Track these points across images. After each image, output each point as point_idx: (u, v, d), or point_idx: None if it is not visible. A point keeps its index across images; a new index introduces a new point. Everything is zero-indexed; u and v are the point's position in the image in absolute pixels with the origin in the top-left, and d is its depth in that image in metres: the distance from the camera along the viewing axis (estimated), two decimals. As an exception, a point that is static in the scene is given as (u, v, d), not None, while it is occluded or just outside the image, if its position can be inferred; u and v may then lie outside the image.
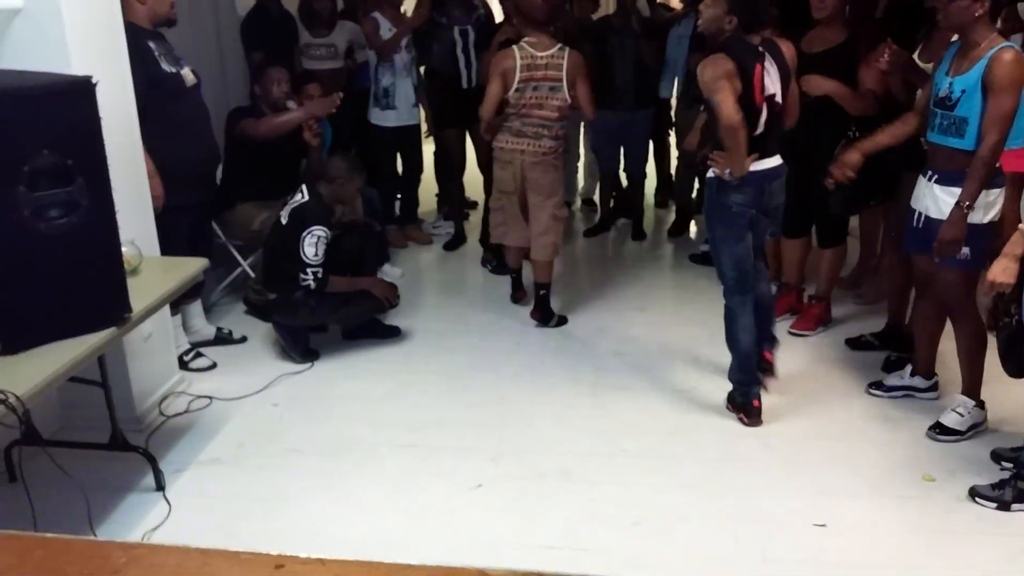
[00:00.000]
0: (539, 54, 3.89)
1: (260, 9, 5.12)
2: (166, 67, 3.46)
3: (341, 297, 3.81)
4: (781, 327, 4.16)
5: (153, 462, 2.93)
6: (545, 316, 4.25)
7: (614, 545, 2.67)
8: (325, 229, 3.64)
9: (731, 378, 3.37)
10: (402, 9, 5.36)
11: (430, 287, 4.96)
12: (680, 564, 2.57)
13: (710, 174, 3.21)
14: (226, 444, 3.23)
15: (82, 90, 2.22)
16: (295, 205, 3.73)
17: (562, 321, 4.30)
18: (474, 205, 5.96)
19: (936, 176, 3.01)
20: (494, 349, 4.04)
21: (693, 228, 5.64)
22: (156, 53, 3.42)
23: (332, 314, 3.90)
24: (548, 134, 4.02)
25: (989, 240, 2.95)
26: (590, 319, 4.36)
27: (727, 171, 3.07)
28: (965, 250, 2.95)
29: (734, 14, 3.04)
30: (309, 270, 3.63)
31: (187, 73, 3.58)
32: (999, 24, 3.33)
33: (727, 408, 3.39)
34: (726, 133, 2.98)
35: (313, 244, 3.60)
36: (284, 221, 3.73)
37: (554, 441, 3.24)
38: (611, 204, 5.79)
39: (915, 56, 3.41)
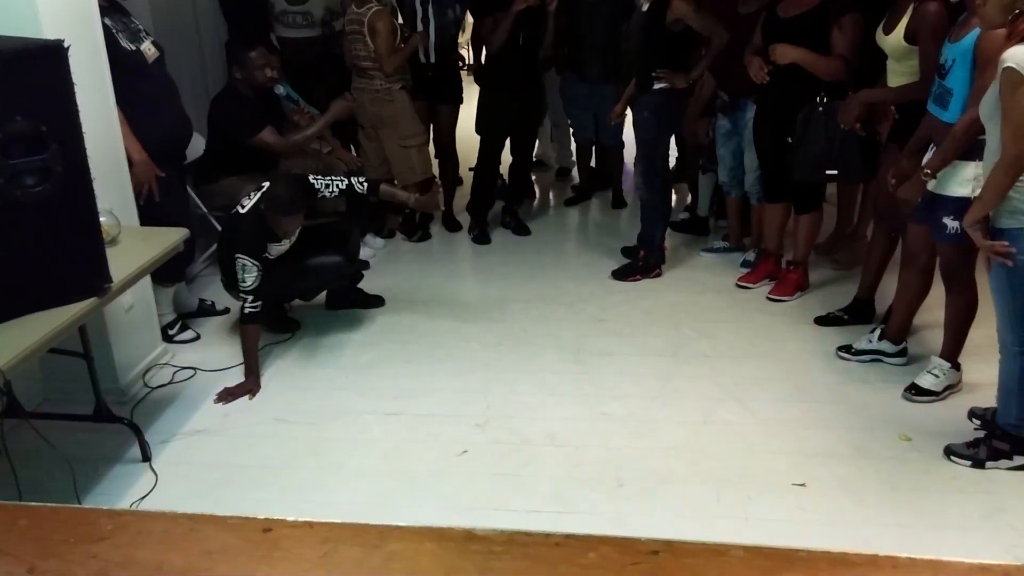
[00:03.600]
0: (356, 11, 4.53)
1: None
2: (125, 44, 3.39)
3: (291, 274, 3.66)
4: (759, 293, 4.21)
5: (138, 433, 2.94)
6: (408, 230, 5.01)
7: (599, 507, 2.70)
8: (252, 260, 3.31)
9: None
10: None
11: (410, 257, 4.95)
12: (664, 524, 2.61)
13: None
14: (211, 415, 3.23)
15: (54, 54, 2.18)
16: (233, 212, 3.48)
17: (425, 236, 5.02)
18: (460, 182, 5.91)
19: (935, 147, 3.03)
20: (477, 318, 4.06)
21: (674, 197, 5.63)
22: (114, 30, 3.35)
23: (288, 292, 3.81)
24: (377, 75, 4.58)
25: None
26: (572, 287, 4.37)
27: None
28: (955, 224, 2.95)
29: None
30: (240, 294, 3.35)
31: (148, 48, 3.50)
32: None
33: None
34: None
35: (242, 270, 3.31)
36: (221, 241, 3.51)
37: (538, 407, 3.27)
38: (588, 173, 5.79)
39: (879, 28, 3.42)
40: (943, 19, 3.01)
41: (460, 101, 5.05)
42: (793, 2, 3.74)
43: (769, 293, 4.19)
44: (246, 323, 3.34)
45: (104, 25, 3.28)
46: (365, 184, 3.66)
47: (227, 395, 3.30)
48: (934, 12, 3.04)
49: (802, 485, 2.78)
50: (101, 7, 3.32)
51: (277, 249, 3.49)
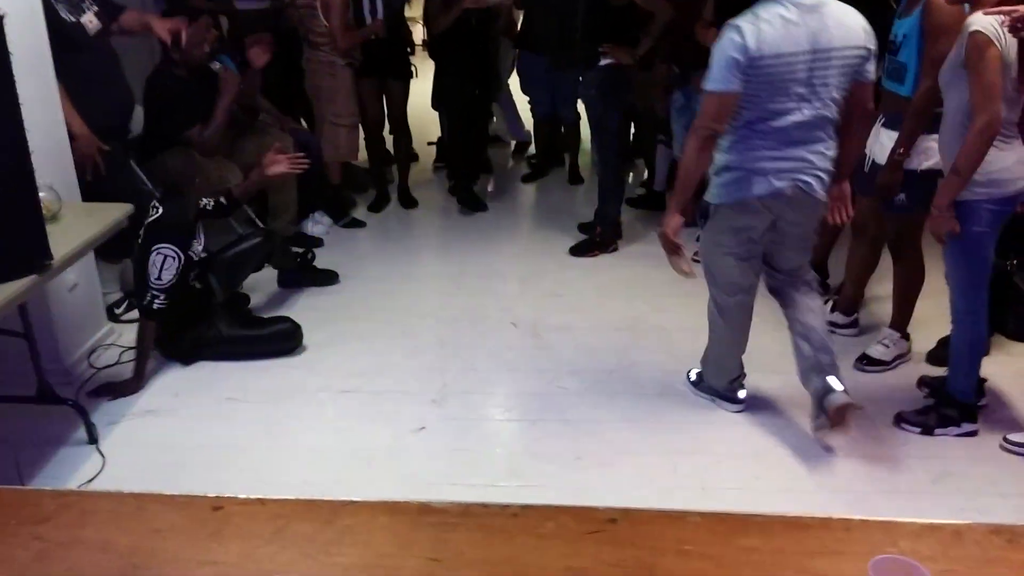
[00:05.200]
0: None
1: None
2: (65, 15, 3.29)
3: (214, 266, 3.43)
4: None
5: (84, 414, 2.85)
6: (335, 214, 4.85)
7: (557, 480, 2.70)
8: (174, 249, 3.09)
9: None
10: None
11: (365, 233, 4.88)
12: (622, 495, 2.62)
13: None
14: (160, 395, 3.16)
15: (-12, 23, 2.08)
16: (148, 220, 3.17)
17: (356, 223, 4.89)
18: (415, 158, 5.84)
19: (884, 120, 3.06)
20: (433, 293, 4.02)
21: (630, 175, 5.64)
22: (52, 2, 3.23)
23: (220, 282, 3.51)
24: (325, 49, 4.56)
25: (926, 187, 2.91)
26: (528, 263, 4.36)
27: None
28: (902, 196, 3.00)
29: None
30: (149, 292, 3.09)
31: (89, 19, 3.40)
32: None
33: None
34: None
35: (157, 265, 3.06)
36: (139, 240, 3.17)
37: (496, 382, 3.26)
38: (544, 149, 5.77)
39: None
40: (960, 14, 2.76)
41: (410, 76, 4.96)
42: None
43: None
44: (150, 318, 3.12)
45: None
46: (211, 203, 3.36)
47: (111, 391, 3.13)
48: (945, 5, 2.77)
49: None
50: None
51: (196, 246, 3.30)
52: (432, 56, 5.06)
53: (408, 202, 5.19)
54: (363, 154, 5.16)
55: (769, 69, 2.45)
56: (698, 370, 3.18)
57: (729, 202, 2.67)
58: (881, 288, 3.58)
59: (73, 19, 3.32)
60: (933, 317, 3.29)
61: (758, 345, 3.50)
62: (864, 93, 2.62)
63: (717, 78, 2.48)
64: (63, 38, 3.23)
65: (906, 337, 3.31)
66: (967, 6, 2.65)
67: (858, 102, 2.62)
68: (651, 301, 3.90)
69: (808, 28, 2.44)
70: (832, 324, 3.53)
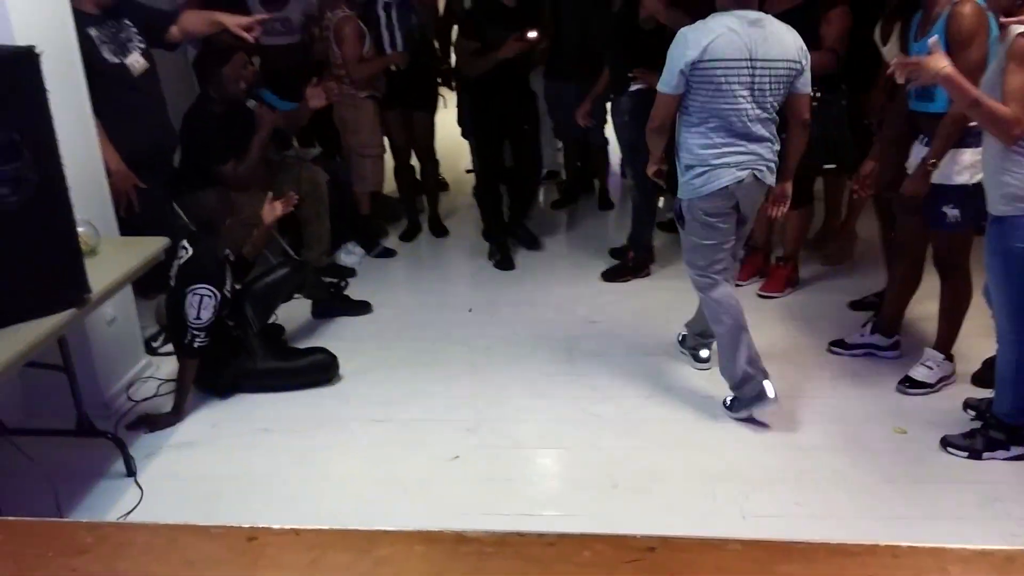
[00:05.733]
0: (328, 15, 4.50)
1: None
2: (109, 56, 3.35)
3: (246, 302, 3.44)
4: (750, 290, 4.18)
5: (122, 447, 2.88)
6: (367, 244, 4.82)
7: (593, 508, 2.67)
8: (210, 288, 3.11)
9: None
10: None
11: (398, 262, 4.91)
12: (660, 523, 2.58)
13: None
14: (197, 426, 3.17)
15: (26, 60, 2.14)
16: (180, 263, 3.20)
17: (388, 252, 4.85)
18: (445, 187, 5.88)
19: (925, 140, 3.01)
20: (466, 322, 4.02)
21: (660, 199, 5.60)
22: (98, 42, 3.31)
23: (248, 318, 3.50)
24: (347, 81, 4.50)
25: (980, 201, 2.85)
26: (562, 289, 4.34)
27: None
28: (955, 212, 2.94)
29: None
30: (189, 332, 3.11)
31: (135, 60, 3.46)
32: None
33: None
34: None
35: (195, 305, 3.08)
36: (172, 283, 3.21)
37: (530, 409, 3.23)
38: (574, 175, 5.76)
39: (876, 30, 3.42)
40: (984, 19, 2.77)
41: (435, 107, 4.99)
42: None
43: (759, 290, 4.17)
44: (192, 357, 3.15)
45: (88, 35, 3.25)
46: (232, 255, 3.40)
47: (149, 424, 3.14)
48: (971, 14, 2.77)
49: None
50: (90, 16, 3.29)
51: (228, 283, 3.30)
52: (464, 91, 4.98)
53: (439, 231, 5.20)
54: (393, 184, 5.21)
55: (714, 71, 2.80)
56: (731, 396, 3.15)
57: (701, 196, 2.96)
58: (922, 308, 3.50)
59: (117, 60, 3.39)
60: (977, 337, 3.22)
61: (790, 372, 3.45)
62: (799, 103, 2.95)
63: (666, 81, 2.89)
64: (106, 77, 3.31)
65: (950, 358, 3.23)
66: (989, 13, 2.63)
67: (795, 112, 2.97)
68: (685, 324, 3.85)
69: (750, 39, 2.80)
70: (871, 346, 3.48)
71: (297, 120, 4.50)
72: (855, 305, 3.94)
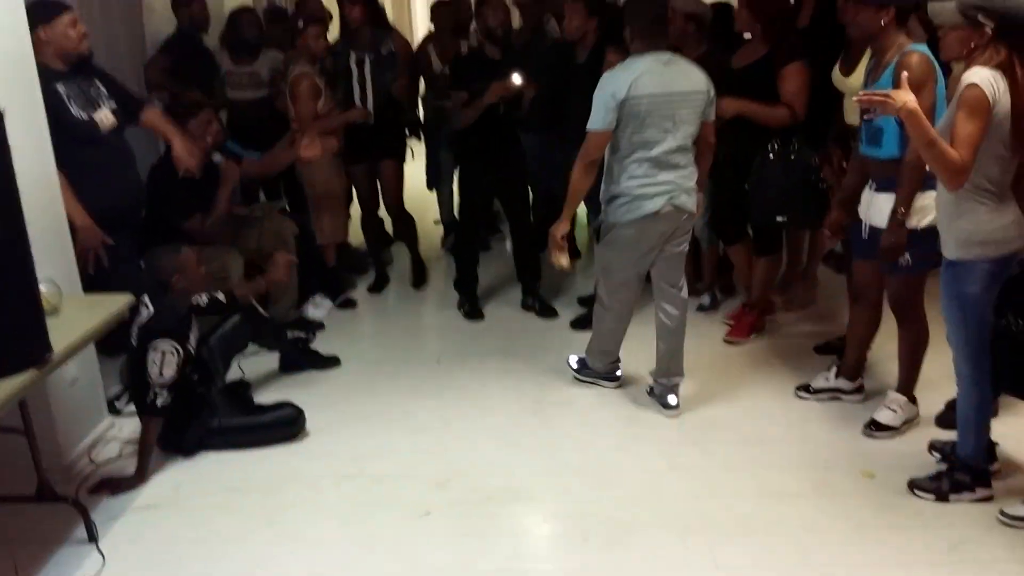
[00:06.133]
0: (290, 71, 4.53)
1: (180, 39, 5.01)
2: (76, 112, 3.35)
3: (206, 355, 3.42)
4: (716, 337, 4.23)
5: (84, 512, 2.80)
6: (334, 296, 4.82)
7: (565, 562, 2.65)
8: (173, 343, 3.08)
9: None
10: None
11: (366, 315, 4.89)
12: (632, 574, 2.56)
13: None
14: (161, 488, 3.11)
15: (-12, 118, 2.13)
16: (141, 320, 3.16)
17: (350, 303, 4.84)
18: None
19: (875, 185, 3.09)
20: (435, 373, 4.00)
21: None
22: (66, 97, 3.31)
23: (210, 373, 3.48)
24: (298, 135, 4.44)
25: (928, 245, 2.95)
26: (530, 338, 4.35)
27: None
28: (905, 256, 3.02)
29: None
30: (151, 390, 3.07)
31: (103, 116, 3.45)
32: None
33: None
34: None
35: (157, 362, 3.03)
36: (133, 341, 3.16)
37: (500, 462, 3.21)
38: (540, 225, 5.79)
39: (837, 67, 3.53)
40: (932, 69, 2.88)
41: (403, 157, 5.02)
42: (744, 54, 3.90)
43: (726, 335, 4.21)
44: (155, 416, 3.09)
45: (55, 91, 3.24)
46: (204, 300, 3.41)
47: (112, 487, 3.07)
48: (919, 63, 2.85)
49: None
50: (57, 72, 3.29)
51: (192, 340, 3.29)
52: (450, 148, 5.00)
53: (419, 279, 5.17)
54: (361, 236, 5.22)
55: (639, 106, 3.12)
56: (580, 356, 3.77)
57: (624, 222, 3.28)
58: (885, 351, 3.56)
59: (85, 116, 3.38)
60: (940, 379, 3.27)
61: (756, 417, 3.49)
62: (707, 130, 3.32)
63: (596, 119, 3.19)
64: (73, 134, 3.29)
65: (913, 400, 3.28)
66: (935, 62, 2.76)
67: (704, 137, 3.32)
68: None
69: (666, 76, 3.16)
70: (837, 391, 3.52)
71: (268, 169, 4.51)
72: (820, 349, 3.99)
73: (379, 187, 4.98)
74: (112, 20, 4.48)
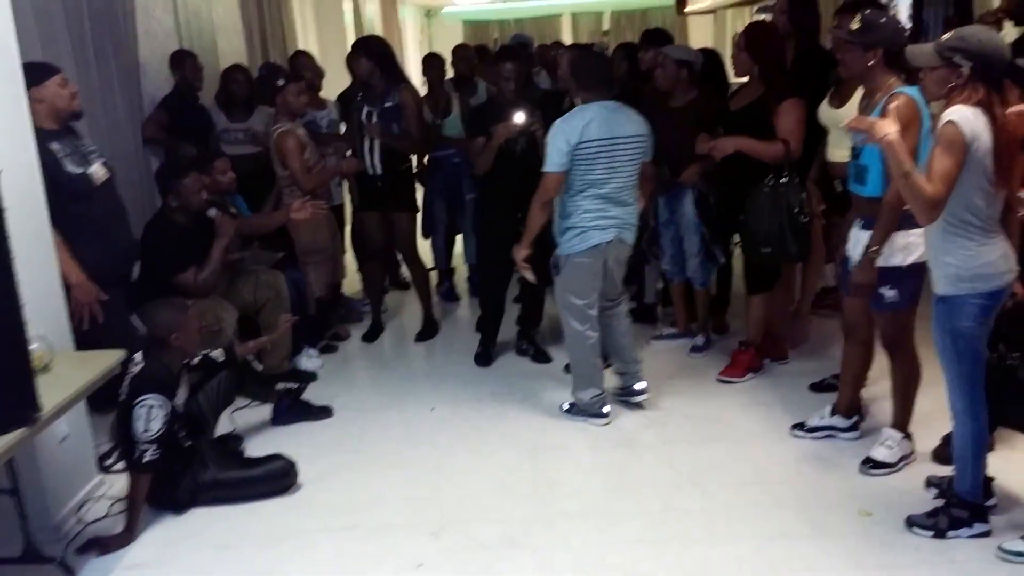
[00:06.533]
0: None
1: (177, 97, 5.08)
2: (71, 168, 3.38)
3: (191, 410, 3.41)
4: (711, 377, 4.21)
5: (71, 574, 2.76)
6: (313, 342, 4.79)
7: (562, 612, 2.61)
8: (160, 398, 3.07)
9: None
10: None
11: (359, 363, 4.89)
12: (629, 625, 2.53)
13: None
14: (151, 546, 3.06)
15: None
16: (131, 376, 3.16)
17: (330, 348, 4.90)
18: (406, 286, 5.91)
19: (861, 223, 3.12)
20: (429, 420, 3.98)
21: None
22: (60, 155, 3.34)
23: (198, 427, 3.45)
24: (294, 191, 4.50)
25: (914, 282, 3.01)
26: (525, 383, 4.34)
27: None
28: (892, 292, 3.03)
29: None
30: (138, 447, 3.04)
31: (96, 170, 3.49)
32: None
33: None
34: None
35: (143, 417, 3.02)
36: (122, 396, 3.14)
37: (495, 509, 3.18)
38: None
39: (826, 102, 3.58)
40: (916, 111, 2.92)
41: (415, 209, 5.06)
42: (742, 95, 3.98)
43: (719, 374, 4.20)
44: (143, 472, 3.06)
45: (50, 150, 3.28)
46: (198, 359, 3.50)
47: (100, 547, 3.02)
48: (903, 105, 2.90)
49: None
50: (51, 132, 3.32)
51: (180, 398, 3.29)
52: (480, 192, 4.96)
53: (430, 332, 5.12)
54: (355, 285, 5.23)
55: (591, 149, 3.49)
56: (571, 402, 3.89)
57: (577, 252, 3.63)
58: (880, 388, 3.55)
59: (79, 171, 3.41)
60: (934, 414, 3.25)
61: (753, 457, 3.46)
62: (646, 168, 3.74)
63: (553, 162, 3.52)
64: (69, 190, 3.32)
65: (908, 437, 3.26)
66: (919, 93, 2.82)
67: (644, 172, 3.72)
68: (649, 415, 3.87)
69: (613, 122, 3.53)
70: (832, 428, 3.50)
71: (260, 228, 4.55)
72: (815, 387, 3.98)
73: (394, 236, 5.00)
74: (110, 80, 4.54)
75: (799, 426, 3.58)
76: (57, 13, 4.07)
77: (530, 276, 3.86)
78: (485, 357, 4.66)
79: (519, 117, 4.27)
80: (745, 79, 4.03)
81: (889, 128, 2.51)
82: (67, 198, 3.28)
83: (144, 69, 4.94)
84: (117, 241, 3.64)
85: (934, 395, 3.15)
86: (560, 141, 3.50)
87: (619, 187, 3.60)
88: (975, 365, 2.70)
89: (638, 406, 3.92)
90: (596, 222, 3.59)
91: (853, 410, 3.51)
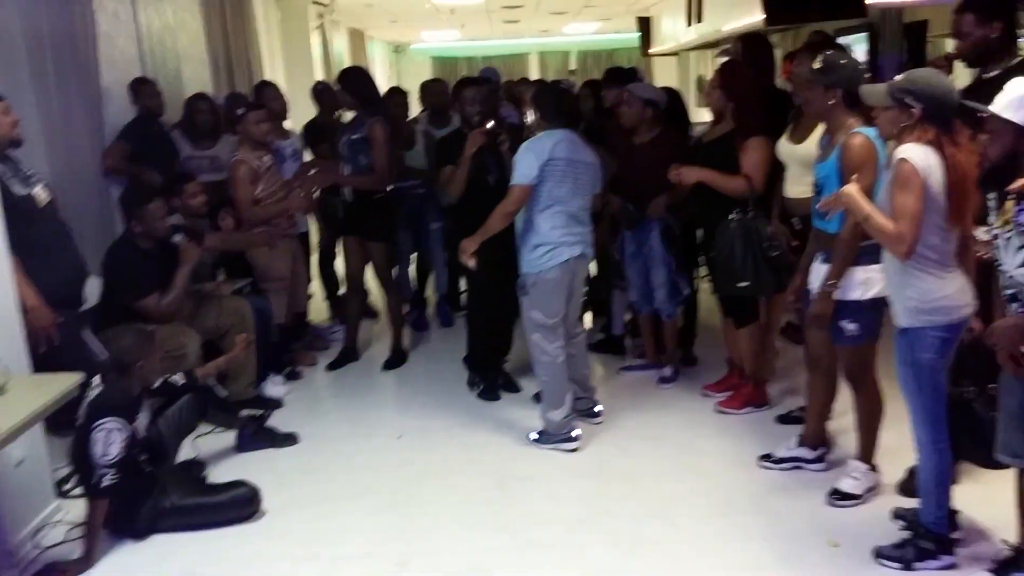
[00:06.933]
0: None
1: (140, 124, 5.03)
2: (16, 190, 3.34)
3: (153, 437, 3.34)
4: (680, 409, 4.23)
5: (24, 601, 2.67)
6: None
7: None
8: (119, 421, 3.01)
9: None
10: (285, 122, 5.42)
11: (326, 391, 4.83)
12: (599, 655, 2.49)
13: None
14: (110, 573, 2.98)
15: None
16: (89, 399, 3.09)
17: (294, 375, 4.86)
18: (374, 314, 5.89)
19: (822, 257, 3.18)
20: (396, 449, 3.94)
21: (588, 318, 5.68)
22: (4, 177, 3.30)
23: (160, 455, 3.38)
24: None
25: (874, 316, 3.07)
26: (494, 412, 4.32)
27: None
28: (853, 326, 3.08)
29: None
30: (97, 471, 2.99)
31: (39, 192, 3.45)
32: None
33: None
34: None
35: (101, 440, 2.97)
36: (80, 422, 3.08)
37: (462, 539, 3.14)
38: None
39: (785, 137, 3.65)
40: (872, 151, 2.97)
41: (391, 238, 5.03)
42: (713, 130, 4.07)
43: (717, 404, 4.21)
44: (101, 496, 3.00)
45: None
46: (159, 383, 3.46)
47: (58, 573, 2.94)
48: (859, 145, 2.97)
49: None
50: None
51: (141, 421, 3.22)
52: (446, 223, 5.06)
53: (399, 360, 5.08)
54: (322, 313, 5.17)
55: (559, 167, 3.68)
56: (539, 431, 3.92)
57: (548, 268, 3.73)
58: (845, 421, 3.59)
59: (24, 192, 3.36)
60: (900, 447, 3.28)
61: (720, 487, 3.47)
62: (596, 200, 4.00)
63: (525, 175, 3.66)
64: (16, 211, 3.26)
65: (874, 468, 3.29)
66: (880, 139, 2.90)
67: (594, 204, 3.99)
68: (618, 445, 3.87)
69: (577, 146, 3.77)
70: (798, 459, 3.52)
71: (229, 245, 4.53)
72: (782, 419, 4.01)
73: (370, 264, 4.97)
74: (70, 106, 4.47)
75: (766, 457, 3.59)
76: (17, 37, 4.04)
77: (472, 262, 3.89)
78: (494, 390, 4.55)
79: (490, 124, 4.35)
80: (709, 117, 4.11)
81: (847, 187, 2.69)
82: (14, 219, 3.23)
83: (106, 96, 4.88)
84: (65, 263, 3.58)
85: (900, 428, 3.19)
86: (531, 157, 3.68)
87: (581, 207, 3.80)
88: (936, 397, 2.75)
89: (608, 436, 3.91)
90: (564, 238, 3.73)
91: (819, 441, 3.53)
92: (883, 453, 3.31)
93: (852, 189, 2.67)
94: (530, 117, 4.64)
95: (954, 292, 2.67)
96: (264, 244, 4.56)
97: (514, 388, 4.60)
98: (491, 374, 4.61)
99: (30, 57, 4.12)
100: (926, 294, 2.65)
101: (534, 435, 3.93)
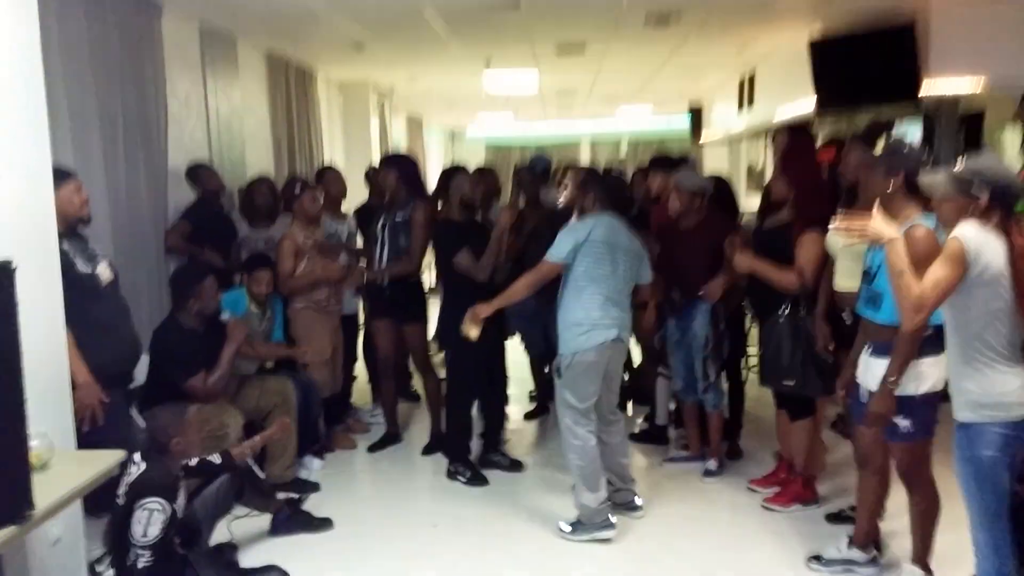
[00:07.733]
0: None
1: (203, 204, 5.20)
2: (82, 267, 3.44)
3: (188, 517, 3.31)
4: (727, 503, 4.09)
5: None
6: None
7: None
8: (161, 501, 3.01)
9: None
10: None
11: (363, 475, 4.79)
12: None
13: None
14: (136, 657, 2.94)
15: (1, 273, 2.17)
16: (130, 478, 3.08)
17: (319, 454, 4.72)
18: (417, 398, 5.88)
19: (871, 349, 3.08)
20: (432, 538, 3.87)
21: (631, 407, 5.59)
22: (70, 255, 3.41)
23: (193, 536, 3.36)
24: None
25: (927, 412, 2.95)
26: (532, 503, 4.23)
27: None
28: (907, 423, 2.96)
29: None
30: (133, 551, 2.98)
31: (103, 270, 3.55)
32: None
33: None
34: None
35: (143, 521, 2.97)
36: (120, 501, 3.06)
37: (495, 635, 3.04)
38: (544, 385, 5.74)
39: (831, 232, 3.58)
40: (935, 242, 2.85)
41: (425, 319, 5.06)
42: (777, 217, 4.02)
43: (765, 500, 4.08)
44: (159, 570, 2.97)
45: (62, 249, 3.33)
46: (196, 462, 3.39)
47: None
48: (923, 238, 2.87)
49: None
50: (60, 232, 3.38)
51: (180, 501, 3.20)
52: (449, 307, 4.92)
53: (438, 446, 4.92)
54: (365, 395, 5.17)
55: (598, 248, 3.71)
56: (571, 521, 3.80)
57: (583, 350, 3.70)
58: (898, 522, 3.43)
59: (89, 270, 3.47)
60: (958, 551, 3.11)
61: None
62: (644, 290, 4.03)
63: (558, 252, 3.73)
64: (78, 288, 3.36)
65: (929, 572, 3.12)
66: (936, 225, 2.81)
67: (643, 293, 4.08)
68: (661, 540, 3.75)
69: (618, 231, 3.79)
70: (850, 562, 3.36)
71: (267, 355, 4.63)
72: (831, 518, 3.85)
73: (407, 347, 5.01)
74: (137, 185, 4.67)
75: (816, 559, 3.44)
76: (93, 117, 4.23)
77: (474, 332, 3.86)
78: (478, 476, 4.52)
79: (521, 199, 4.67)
80: (758, 204, 4.09)
81: (888, 228, 2.60)
82: (76, 296, 3.31)
83: (172, 177, 5.09)
84: (122, 341, 3.66)
85: (958, 532, 3.03)
86: (569, 238, 3.74)
87: (620, 290, 3.78)
88: (997, 497, 2.60)
89: (649, 531, 3.79)
90: (601, 320, 3.71)
91: (870, 542, 3.37)
92: (940, 556, 3.14)
93: (892, 234, 2.60)
94: (561, 199, 4.63)
95: (1017, 388, 2.55)
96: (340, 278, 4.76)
97: (518, 467, 4.68)
98: (469, 459, 4.58)
99: (103, 137, 4.31)
100: (988, 388, 2.55)
101: (566, 526, 3.81)
